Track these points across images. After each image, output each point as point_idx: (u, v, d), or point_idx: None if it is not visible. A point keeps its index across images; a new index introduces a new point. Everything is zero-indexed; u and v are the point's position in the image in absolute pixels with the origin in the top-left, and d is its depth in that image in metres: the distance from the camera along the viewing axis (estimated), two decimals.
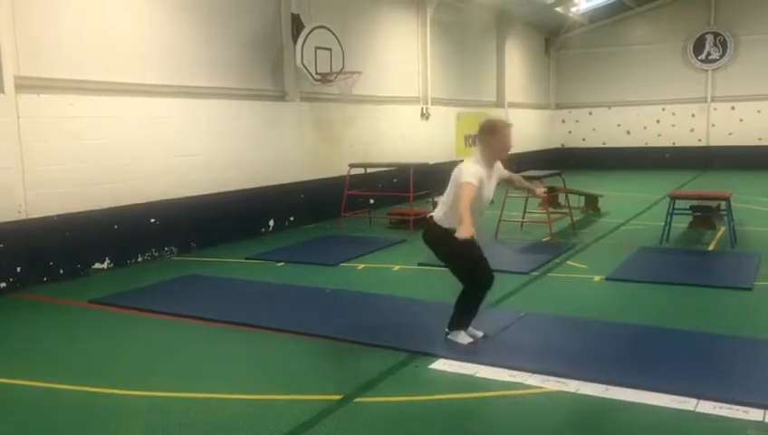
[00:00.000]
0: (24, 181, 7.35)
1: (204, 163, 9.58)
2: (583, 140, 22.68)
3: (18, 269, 7.32)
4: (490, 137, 4.93)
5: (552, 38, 22.34)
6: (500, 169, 5.16)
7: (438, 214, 5.06)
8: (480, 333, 5.22)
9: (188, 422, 3.95)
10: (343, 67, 11.58)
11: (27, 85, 7.38)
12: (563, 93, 22.96)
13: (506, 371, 4.58)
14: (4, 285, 7.19)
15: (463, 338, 5.12)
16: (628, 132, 21.87)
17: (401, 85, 14.49)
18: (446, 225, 4.92)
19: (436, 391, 4.35)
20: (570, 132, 22.95)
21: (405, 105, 14.63)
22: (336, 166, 11.82)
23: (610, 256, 8.31)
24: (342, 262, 8.38)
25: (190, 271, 8.02)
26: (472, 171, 4.74)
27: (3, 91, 7.12)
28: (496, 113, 18.70)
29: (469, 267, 5.04)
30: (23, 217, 7.36)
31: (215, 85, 9.83)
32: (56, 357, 5.20)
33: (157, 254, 8.92)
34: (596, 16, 21.11)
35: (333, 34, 11.41)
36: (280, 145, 11.02)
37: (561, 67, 22.91)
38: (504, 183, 5.54)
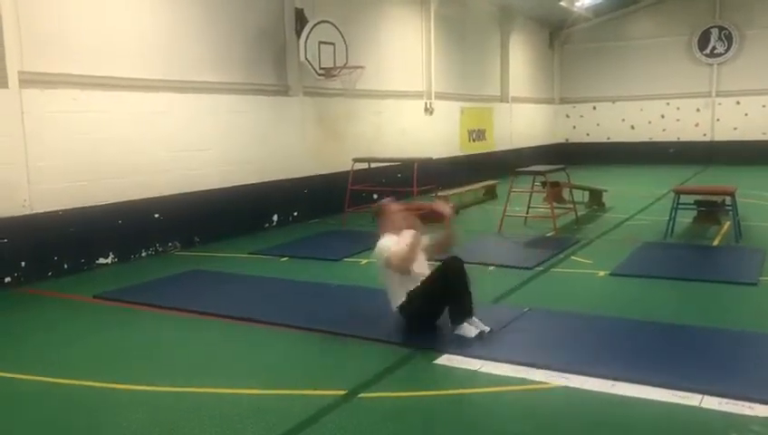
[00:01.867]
0: (29, 176, 7.36)
1: (207, 158, 9.57)
2: (587, 134, 22.62)
3: (23, 264, 7.33)
4: (382, 219, 5.51)
5: (556, 32, 22.26)
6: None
7: (396, 302, 5.36)
8: (487, 329, 5.20)
9: (193, 417, 3.95)
10: (347, 62, 11.54)
11: (31, 80, 7.38)
12: (567, 88, 22.89)
13: (510, 366, 4.57)
14: (8, 279, 7.20)
15: (468, 331, 5.12)
16: (633, 127, 21.80)
17: (405, 80, 14.46)
18: (405, 299, 5.27)
19: (441, 387, 4.35)
20: (574, 127, 22.89)
21: (408, 100, 14.60)
22: (339, 161, 11.80)
23: (615, 251, 8.28)
24: (346, 257, 8.37)
25: (194, 266, 8.02)
26: (387, 243, 5.30)
27: (7, 87, 7.12)
28: (500, 108, 18.68)
29: (440, 289, 5.20)
30: (27, 211, 7.36)
31: (218, 80, 9.81)
32: (60, 352, 5.21)
33: (160, 249, 8.93)
34: (600, 10, 21.03)
35: (337, 29, 11.38)
36: (283, 140, 11.01)
37: (566, 61, 22.83)
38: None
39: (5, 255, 7.16)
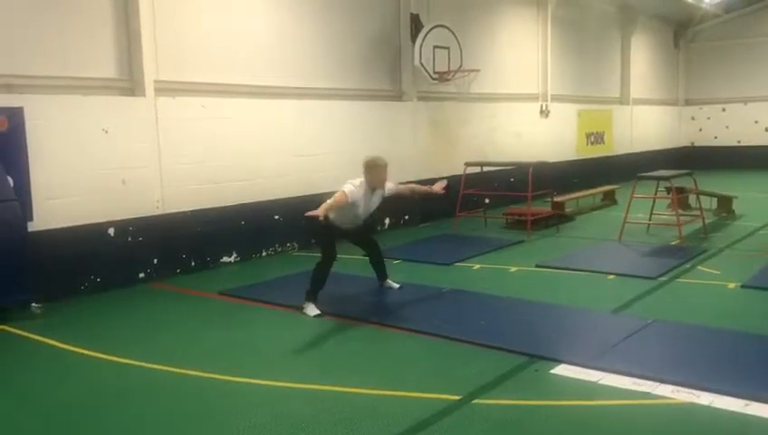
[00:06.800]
0: (161, 178, 7.86)
1: (324, 162, 9.82)
2: (715, 138, 21.27)
3: (154, 261, 7.83)
4: (367, 172, 6.26)
5: (681, 31, 21.12)
6: (389, 189, 6.48)
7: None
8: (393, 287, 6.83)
9: (312, 414, 4.06)
10: (461, 65, 11.52)
11: (165, 88, 7.88)
12: (693, 89, 21.65)
13: (632, 379, 4.39)
14: (142, 275, 7.72)
15: (311, 310, 6.13)
16: (767, 130, 20.30)
17: (520, 82, 14.22)
18: (331, 218, 6.24)
19: (557, 397, 4.24)
20: (700, 130, 21.60)
21: (523, 102, 14.35)
22: (451, 165, 11.75)
23: (746, 262, 7.76)
24: (457, 261, 8.34)
25: (310, 266, 8.21)
26: (350, 188, 6.11)
27: (144, 95, 7.65)
28: (620, 110, 18.01)
29: (321, 242, 6.58)
30: (159, 211, 7.87)
31: (335, 86, 10.06)
32: (190, 345, 5.52)
33: (279, 249, 9.27)
34: (732, 6, 19.73)
35: (452, 33, 11.38)
36: (396, 144, 11.10)
37: (692, 61, 21.61)
38: (397, 197, 6.78)
39: (140, 252, 7.69)
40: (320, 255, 6.49)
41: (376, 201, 6.48)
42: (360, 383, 4.51)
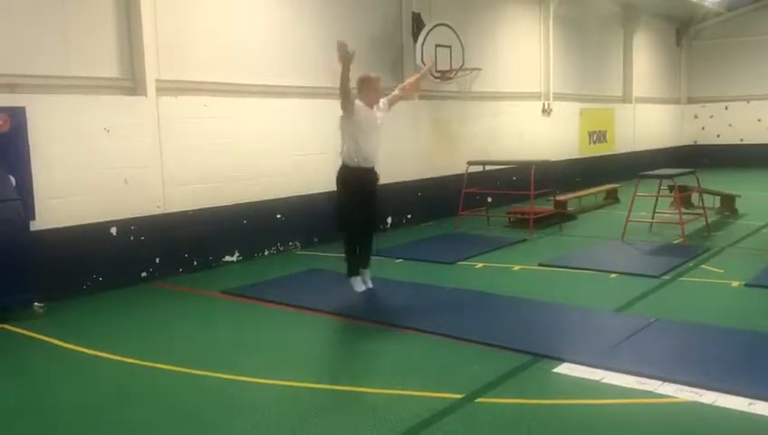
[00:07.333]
0: (163, 178, 7.86)
1: (326, 161, 9.76)
2: (718, 136, 21.23)
3: (157, 260, 7.83)
4: (361, 89, 6.51)
5: (684, 29, 21.08)
6: (384, 104, 6.68)
7: (343, 155, 6.52)
8: (367, 285, 6.64)
9: (315, 413, 4.06)
10: (463, 64, 11.50)
11: (167, 88, 7.88)
12: (696, 87, 21.60)
13: (635, 378, 4.37)
14: (144, 274, 7.71)
15: (357, 285, 6.47)
16: None
17: (522, 81, 14.21)
18: (346, 161, 6.49)
19: (560, 396, 4.23)
20: (703, 128, 21.56)
21: (525, 101, 14.33)
22: (453, 164, 11.75)
23: (750, 261, 7.74)
24: (460, 260, 8.32)
25: (313, 265, 8.26)
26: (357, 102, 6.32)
27: (145, 94, 7.65)
28: (623, 109, 17.99)
29: (338, 208, 6.61)
30: (161, 211, 7.86)
31: (337, 85, 9.99)
32: (194, 344, 5.51)
33: (282, 248, 9.26)
34: (734, 4, 19.70)
35: (454, 32, 11.36)
36: (398, 143, 11.07)
37: (694, 59, 21.57)
38: (400, 100, 7.01)
39: (142, 251, 7.68)
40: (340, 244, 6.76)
41: (379, 121, 6.54)
42: (362, 382, 4.51)
